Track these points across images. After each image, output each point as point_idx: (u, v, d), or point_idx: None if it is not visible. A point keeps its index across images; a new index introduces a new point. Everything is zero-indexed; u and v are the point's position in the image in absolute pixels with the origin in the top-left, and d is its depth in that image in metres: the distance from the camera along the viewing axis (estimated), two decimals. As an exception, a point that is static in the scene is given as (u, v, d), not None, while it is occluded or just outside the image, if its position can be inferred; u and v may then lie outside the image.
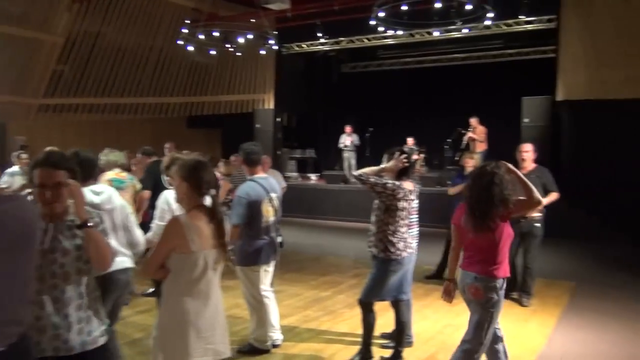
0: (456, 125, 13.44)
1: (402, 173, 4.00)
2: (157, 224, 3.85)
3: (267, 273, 4.40)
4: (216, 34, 10.85)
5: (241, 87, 14.89)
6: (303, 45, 15.33)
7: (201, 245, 2.64)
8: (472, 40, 14.60)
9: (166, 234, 2.66)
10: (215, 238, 2.68)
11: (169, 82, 13.77)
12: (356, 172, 4.01)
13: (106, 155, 5.22)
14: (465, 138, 13.11)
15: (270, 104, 15.02)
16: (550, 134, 11.04)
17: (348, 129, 14.94)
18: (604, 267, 8.10)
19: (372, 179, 3.92)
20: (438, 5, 9.21)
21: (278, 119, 14.53)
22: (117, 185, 4.84)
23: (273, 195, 4.33)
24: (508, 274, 3.41)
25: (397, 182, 3.95)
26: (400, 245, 3.98)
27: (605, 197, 10.64)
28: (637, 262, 8.47)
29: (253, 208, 4.17)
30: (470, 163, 6.97)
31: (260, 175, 4.33)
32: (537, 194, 3.37)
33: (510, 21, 12.37)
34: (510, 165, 3.40)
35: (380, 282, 4.01)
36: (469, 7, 9.10)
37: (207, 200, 2.75)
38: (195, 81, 14.32)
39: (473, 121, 13.10)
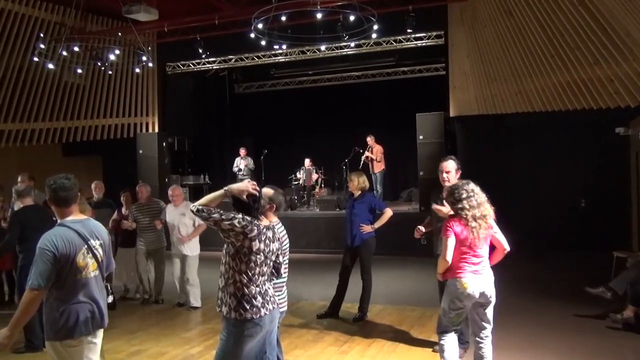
0: (355, 144, 13.03)
1: (249, 210, 3.17)
2: None
3: (93, 345, 3.33)
4: (77, 49, 9.53)
5: (121, 110, 13.48)
6: (190, 65, 14.30)
7: None
8: (366, 57, 14.35)
9: None
10: None
11: (33, 105, 12.11)
12: (194, 206, 3.10)
13: None
14: (363, 158, 12.68)
15: (155, 127, 13.75)
16: (444, 151, 10.76)
17: (242, 151, 14.08)
18: (499, 289, 7.63)
19: (215, 214, 3.03)
20: (319, 16, 8.62)
21: (165, 144, 13.34)
22: None
23: (95, 242, 3.29)
24: None
25: (248, 217, 3.09)
26: (258, 300, 3.09)
27: (501, 212, 10.50)
28: (534, 283, 8.10)
29: (63, 262, 3.11)
30: (352, 186, 6.32)
31: (75, 217, 3.27)
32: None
33: (400, 37, 12.13)
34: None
35: (233, 352, 3.06)
36: (352, 18, 8.58)
37: None
38: (66, 104, 12.74)
39: (370, 140, 12.73)
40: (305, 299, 7.34)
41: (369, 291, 6.27)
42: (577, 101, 8.01)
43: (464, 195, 3.87)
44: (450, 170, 4.76)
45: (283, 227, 3.86)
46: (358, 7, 8.69)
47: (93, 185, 7.96)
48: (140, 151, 12.99)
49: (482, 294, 3.93)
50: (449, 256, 3.88)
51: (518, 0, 8.28)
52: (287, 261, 3.84)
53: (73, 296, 3.19)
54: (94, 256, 3.29)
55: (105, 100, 13.26)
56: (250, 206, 3.14)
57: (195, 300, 6.98)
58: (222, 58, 13.92)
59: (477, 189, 3.93)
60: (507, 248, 4.10)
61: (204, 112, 16.67)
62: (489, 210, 3.92)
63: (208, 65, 14.37)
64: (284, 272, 3.74)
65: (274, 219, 3.70)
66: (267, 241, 3.14)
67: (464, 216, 3.85)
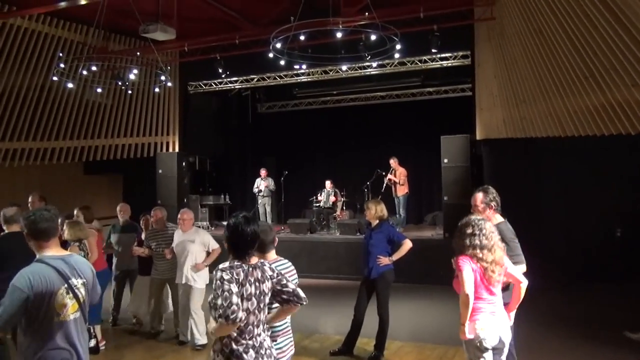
0: (377, 166, 12.65)
1: (242, 248, 2.85)
2: None
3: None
4: (94, 68, 9.45)
5: (141, 129, 13.44)
6: (212, 84, 14.22)
7: None
8: (391, 77, 14.05)
9: None
10: None
11: (54, 123, 12.12)
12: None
13: None
14: (386, 180, 12.29)
15: (175, 147, 13.65)
16: (470, 175, 10.29)
17: (263, 172, 13.82)
18: (523, 325, 7.09)
19: (214, 302, 2.72)
20: (340, 35, 8.34)
21: (185, 163, 13.20)
22: None
23: (76, 281, 3.01)
24: None
25: (227, 264, 2.79)
26: (250, 355, 2.75)
27: (530, 241, 9.94)
28: (563, 319, 7.34)
29: (38, 304, 2.83)
30: (369, 215, 5.94)
31: (54, 253, 3.00)
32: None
33: (425, 57, 11.80)
34: None
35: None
36: (374, 37, 8.27)
37: None
38: (87, 123, 12.74)
39: (393, 162, 12.34)
40: (319, 332, 6.95)
41: (385, 328, 5.84)
42: (613, 125, 7.48)
43: (469, 231, 3.61)
44: (476, 204, 4.31)
45: (288, 265, 3.51)
46: (380, 26, 8.38)
47: (118, 208, 7.63)
48: (160, 171, 12.87)
49: (500, 339, 3.61)
50: (468, 288, 3.49)
51: (548, 18, 7.84)
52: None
53: (49, 341, 2.90)
54: (75, 296, 3.00)
55: (126, 119, 13.24)
56: (238, 246, 2.83)
57: (201, 336, 6.26)
58: (244, 78, 13.82)
59: (489, 229, 3.63)
60: (523, 280, 3.70)
61: (227, 132, 16.56)
62: (498, 251, 3.61)
63: (230, 85, 14.28)
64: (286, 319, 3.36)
65: (272, 256, 3.39)
66: (257, 283, 2.80)
67: (475, 254, 3.57)
